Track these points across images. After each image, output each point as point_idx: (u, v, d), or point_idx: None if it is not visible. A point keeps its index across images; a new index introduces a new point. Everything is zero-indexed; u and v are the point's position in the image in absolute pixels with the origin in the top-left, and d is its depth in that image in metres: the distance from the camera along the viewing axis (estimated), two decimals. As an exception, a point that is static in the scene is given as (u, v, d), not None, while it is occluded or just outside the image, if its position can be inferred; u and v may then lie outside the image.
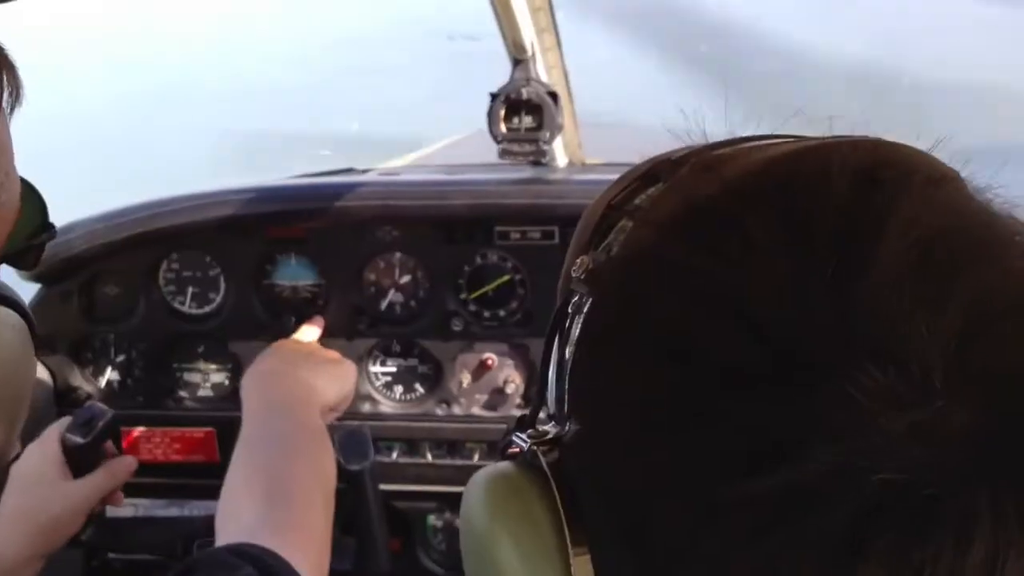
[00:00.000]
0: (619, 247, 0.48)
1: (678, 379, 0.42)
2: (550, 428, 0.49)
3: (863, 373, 0.38)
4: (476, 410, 1.67)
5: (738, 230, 0.43)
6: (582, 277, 0.49)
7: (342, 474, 1.34)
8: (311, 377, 1.38)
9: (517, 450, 0.50)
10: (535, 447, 0.47)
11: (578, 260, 0.49)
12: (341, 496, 1.44)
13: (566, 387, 0.49)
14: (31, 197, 0.71)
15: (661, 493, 0.42)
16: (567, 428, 0.48)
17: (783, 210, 0.43)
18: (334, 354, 1.52)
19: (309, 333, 1.60)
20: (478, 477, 0.49)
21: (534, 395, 0.54)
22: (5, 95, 0.64)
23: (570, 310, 0.49)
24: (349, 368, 1.49)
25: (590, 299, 0.48)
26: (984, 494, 0.38)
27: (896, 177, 0.44)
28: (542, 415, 0.52)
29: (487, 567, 0.47)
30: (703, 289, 0.43)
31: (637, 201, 0.50)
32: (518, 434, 0.50)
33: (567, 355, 0.49)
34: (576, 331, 0.48)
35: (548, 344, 0.51)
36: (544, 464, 0.46)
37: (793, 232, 0.42)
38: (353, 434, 1.43)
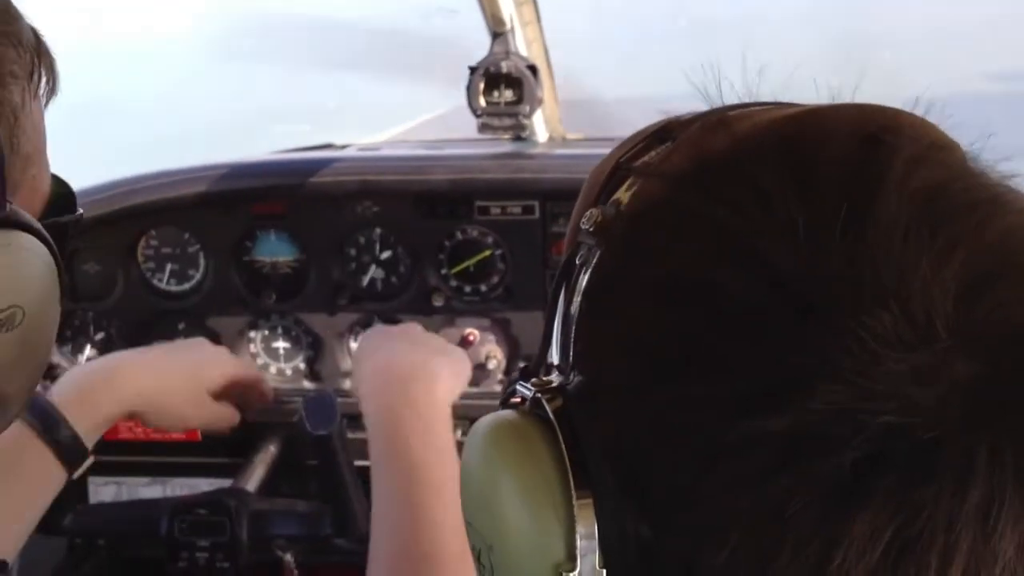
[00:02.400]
0: (629, 200, 0.49)
1: (688, 325, 0.43)
2: (553, 378, 0.50)
3: (870, 316, 0.39)
4: (458, 386, 1.67)
5: (749, 181, 0.44)
6: (591, 229, 0.49)
7: (310, 440, 1.34)
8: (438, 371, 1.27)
9: (519, 400, 0.50)
10: (539, 394, 0.48)
11: (587, 213, 0.50)
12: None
13: (571, 337, 0.49)
14: (56, 184, 0.71)
15: (665, 438, 0.43)
16: (571, 377, 0.48)
17: (793, 163, 0.44)
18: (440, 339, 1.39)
19: None
20: (481, 424, 0.49)
21: (538, 346, 0.54)
22: (43, 84, 0.66)
23: (578, 262, 0.50)
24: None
25: (598, 251, 0.49)
26: (982, 440, 0.39)
27: (903, 138, 0.45)
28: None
29: (490, 512, 0.48)
30: (715, 237, 0.44)
31: (646, 158, 0.51)
32: (522, 383, 0.50)
33: (573, 307, 0.49)
34: (583, 283, 0.49)
35: (554, 295, 0.51)
36: (548, 410, 0.47)
37: (803, 183, 0.43)
38: (318, 399, 1.43)
